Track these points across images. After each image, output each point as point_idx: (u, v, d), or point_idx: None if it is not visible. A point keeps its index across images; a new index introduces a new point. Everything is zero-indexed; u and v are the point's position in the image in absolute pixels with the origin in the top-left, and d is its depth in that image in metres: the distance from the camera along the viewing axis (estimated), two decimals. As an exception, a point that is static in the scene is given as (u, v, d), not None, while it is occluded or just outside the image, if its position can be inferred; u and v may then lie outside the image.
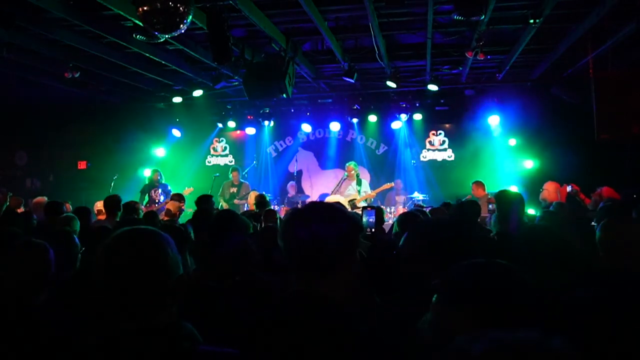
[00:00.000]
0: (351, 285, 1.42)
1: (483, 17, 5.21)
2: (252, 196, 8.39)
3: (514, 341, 0.74)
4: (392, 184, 9.16)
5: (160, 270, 1.34)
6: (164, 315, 1.33)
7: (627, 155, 8.37)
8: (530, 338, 0.74)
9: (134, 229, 1.40)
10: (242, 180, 9.95)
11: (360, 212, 4.22)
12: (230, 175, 9.88)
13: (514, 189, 8.37)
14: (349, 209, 7.36)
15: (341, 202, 8.52)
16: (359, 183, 8.95)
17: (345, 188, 8.93)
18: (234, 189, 9.66)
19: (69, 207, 6.60)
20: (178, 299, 1.37)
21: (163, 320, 1.32)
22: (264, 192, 7.93)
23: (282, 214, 8.47)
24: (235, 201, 9.36)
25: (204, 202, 6.06)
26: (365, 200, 8.78)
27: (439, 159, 10.88)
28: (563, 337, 0.75)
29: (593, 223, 3.45)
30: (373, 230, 3.84)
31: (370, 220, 3.88)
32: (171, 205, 6.83)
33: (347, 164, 9.16)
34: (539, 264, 2.13)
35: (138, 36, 5.76)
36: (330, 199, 8.42)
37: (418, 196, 9.38)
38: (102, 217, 6.54)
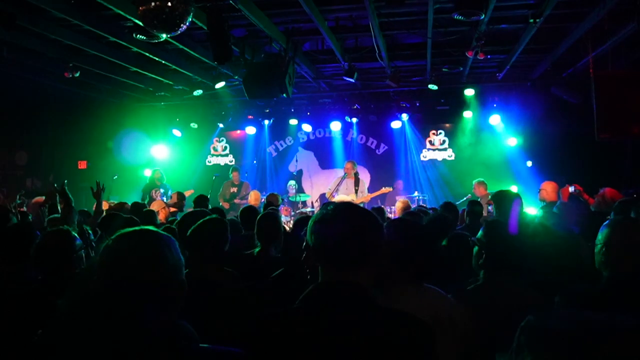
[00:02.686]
0: (374, 275, 1.54)
1: (483, 16, 5.20)
2: (252, 195, 8.39)
3: (587, 319, 0.77)
4: (390, 188, 9.16)
5: (165, 272, 1.33)
6: (163, 315, 1.32)
7: (627, 155, 8.38)
8: (603, 317, 0.78)
9: (137, 230, 1.39)
10: (243, 180, 9.96)
11: None
12: (231, 175, 9.90)
13: (514, 188, 8.38)
14: None
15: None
16: (356, 183, 8.96)
17: (343, 187, 8.93)
18: (235, 189, 9.68)
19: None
20: (179, 300, 1.37)
21: (162, 320, 1.31)
22: (276, 193, 7.89)
23: (282, 213, 8.47)
24: (236, 200, 9.38)
25: (201, 202, 6.07)
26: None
27: (439, 158, 10.89)
28: (631, 316, 0.78)
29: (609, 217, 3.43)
30: None
31: None
32: (155, 205, 6.84)
33: (345, 162, 9.19)
34: (538, 262, 2.13)
35: (138, 36, 5.76)
36: (338, 199, 8.40)
37: (418, 196, 9.38)
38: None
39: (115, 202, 7.71)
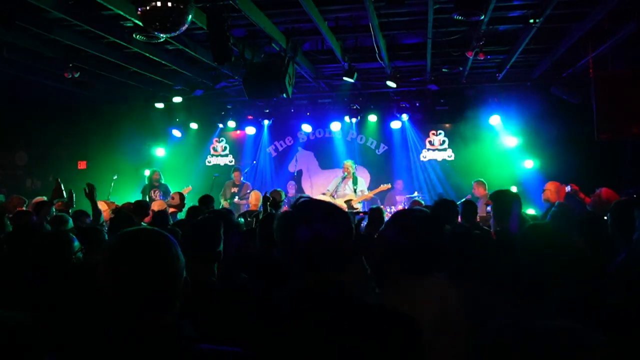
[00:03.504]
0: (352, 273, 1.57)
1: (483, 17, 5.21)
2: (253, 196, 8.39)
3: (545, 329, 0.78)
4: (389, 185, 9.16)
5: (170, 272, 1.33)
6: (165, 315, 1.32)
7: (627, 155, 8.38)
8: (561, 327, 0.78)
9: (140, 229, 1.39)
10: (244, 181, 9.95)
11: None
12: (232, 175, 9.88)
13: (513, 189, 8.37)
14: (345, 209, 7.39)
15: (335, 202, 8.49)
16: (355, 182, 8.96)
17: (342, 187, 8.94)
18: (235, 189, 9.67)
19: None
20: (181, 300, 1.37)
21: (165, 321, 1.32)
22: (280, 189, 7.82)
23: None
24: (236, 200, 9.37)
25: (204, 203, 6.08)
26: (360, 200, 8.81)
27: (439, 158, 10.88)
28: (590, 328, 0.78)
29: (605, 217, 3.42)
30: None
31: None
32: (156, 205, 6.85)
33: (344, 162, 9.20)
34: (539, 263, 2.13)
35: (138, 36, 5.77)
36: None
37: (418, 196, 9.38)
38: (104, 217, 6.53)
39: (116, 202, 7.73)
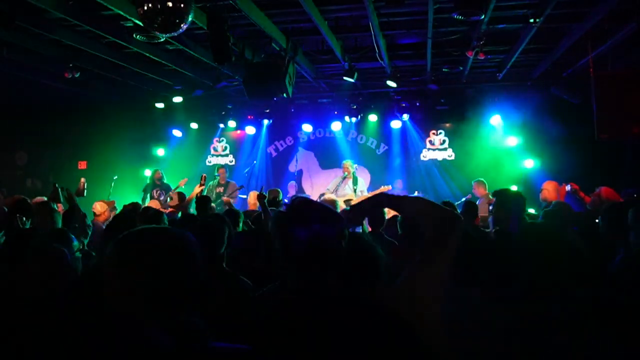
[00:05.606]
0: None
1: (483, 16, 5.21)
2: (252, 195, 8.37)
3: None
4: (389, 187, 9.15)
5: (189, 272, 1.33)
6: (184, 313, 1.33)
7: (627, 155, 8.37)
8: None
9: (159, 228, 1.39)
10: (229, 180, 9.89)
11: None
12: (218, 175, 9.73)
13: (513, 188, 8.38)
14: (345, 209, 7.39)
15: (337, 201, 8.52)
16: (355, 182, 8.96)
17: (342, 187, 8.94)
18: (221, 189, 9.58)
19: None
20: (196, 299, 1.37)
21: (182, 317, 1.32)
22: (279, 189, 7.75)
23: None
24: (224, 199, 9.28)
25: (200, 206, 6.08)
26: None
27: (439, 158, 10.87)
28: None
29: (597, 221, 3.42)
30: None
31: None
32: (152, 204, 6.86)
33: (343, 162, 9.19)
34: (538, 262, 2.13)
35: (138, 36, 5.77)
36: (326, 198, 8.39)
37: (419, 195, 9.39)
38: (102, 217, 6.54)
39: (116, 201, 7.73)
